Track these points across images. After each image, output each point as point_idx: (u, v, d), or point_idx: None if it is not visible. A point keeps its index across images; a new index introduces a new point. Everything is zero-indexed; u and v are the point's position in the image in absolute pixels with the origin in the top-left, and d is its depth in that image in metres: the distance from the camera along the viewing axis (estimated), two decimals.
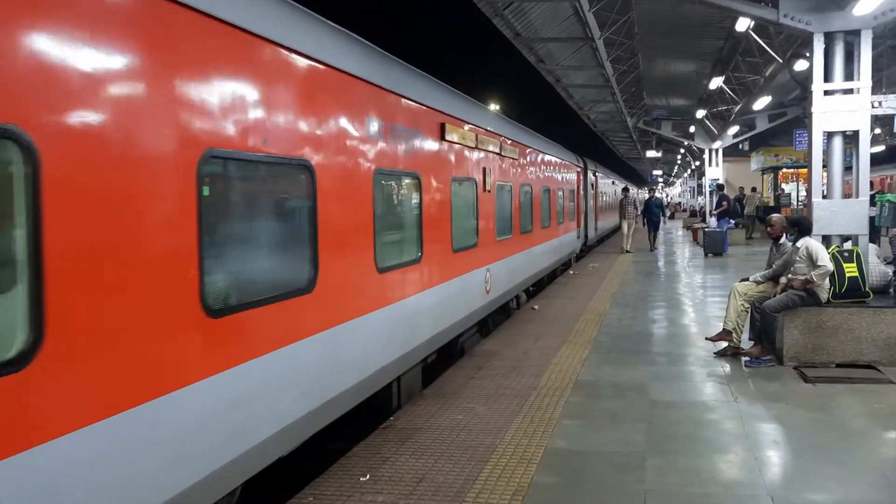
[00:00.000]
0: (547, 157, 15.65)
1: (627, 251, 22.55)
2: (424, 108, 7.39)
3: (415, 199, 7.24)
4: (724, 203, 23.17)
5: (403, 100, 6.80)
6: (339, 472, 5.15)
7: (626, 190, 25.13)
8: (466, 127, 8.89)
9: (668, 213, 43.18)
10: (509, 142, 11.47)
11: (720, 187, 25.46)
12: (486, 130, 9.99)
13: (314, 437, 5.17)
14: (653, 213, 24.02)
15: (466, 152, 8.95)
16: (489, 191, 9.99)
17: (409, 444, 5.66)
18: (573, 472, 5.09)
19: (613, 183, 35.82)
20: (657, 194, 28.71)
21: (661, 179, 70.80)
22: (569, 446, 5.59)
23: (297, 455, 5.06)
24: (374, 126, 6.05)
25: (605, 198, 30.76)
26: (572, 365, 8.10)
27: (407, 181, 7.07)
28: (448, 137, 8.05)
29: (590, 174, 24.21)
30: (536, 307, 12.36)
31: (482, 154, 9.72)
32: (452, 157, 8.37)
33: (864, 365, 7.61)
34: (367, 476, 5.03)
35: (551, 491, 4.78)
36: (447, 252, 8.13)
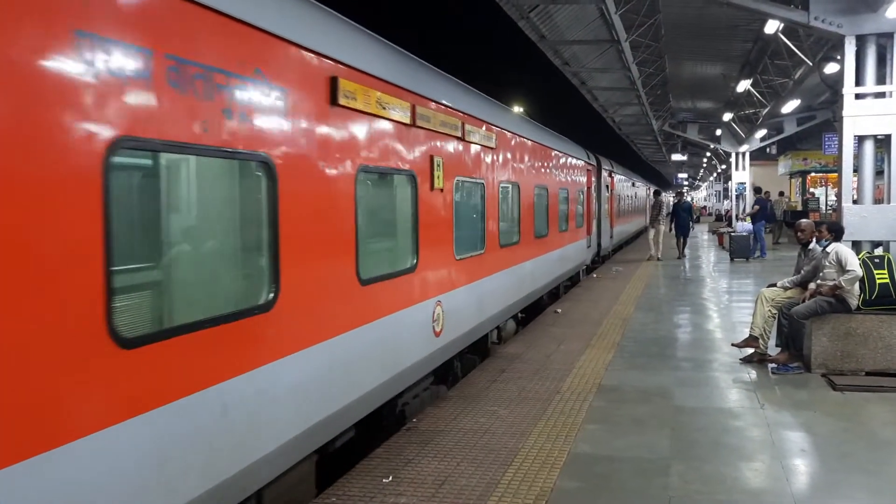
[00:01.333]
0: (542, 150, 12.32)
1: (658, 259, 21.05)
2: (285, 43, 4.42)
3: (261, 203, 4.22)
4: (757, 206, 22.82)
5: (223, 20, 3.84)
6: (362, 473, 5.17)
7: (657, 193, 23.73)
8: (389, 90, 5.83)
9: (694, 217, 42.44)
10: (481, 124, 8.41)
11: (757, 190, 24.97)
12: (436, 103, 6.96)
13: None
14: (681, 217, 22.35)
15: (392, 130, 5.91)
16: (441, 190, 7.06)
17: (432, 447, 5.67)
18: (597, 477, 5.06)
19: (634, 185, 32.39)
20: (686, 197, 26.04)
21: (686, 183, 70.21)
22: (592, 451, 5.56)
23: (319, 456, 5.08)
24: (119, 55, 3.13)
25: (623, 201, 27.34)
26: (596, 369, 8.05)
27: (237, 170, 4.18)
28: (345, 101, 4.99)
29: (604, 174, 21.30)
30: (559, 311, 12.30)
31: (428, 136, 6.71)
32: (359, 136, 5.34)
33: (895, 374, 7.47)
34: (390, 478, 5.05)
35: (575, 496, 4.76)
36: (346, 286, 5.12)
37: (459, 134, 7.61)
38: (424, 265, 6.65)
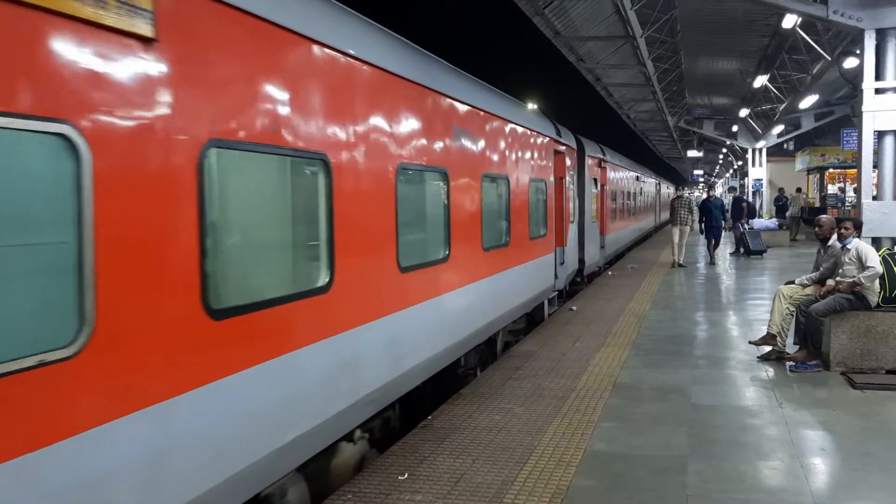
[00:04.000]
0: (441, 103, 6.92)
1: (680, 265, 18.24)
2: None
3: None
4: (743, 204, 22.50)
5: None
6: (378, 470, 5.17)
7: (679, 189, 22.75)
8: None
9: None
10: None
11: (731, 189, 24.72)
12: None
13: None
14: (713, 217, 19.15)
15: None
16: None
17: (447, 444, 5.66)
18: (613, 475, 5.03)
19: (638, 178, 27.14)
20: (717, 193, 23.22)
21: (701, 179, 69.86)
22: (608, 449, 5.53)
23: (333, 451, 5.09)
24: None
25: (622, 200, 22.31)
26: (611, 367, 8.02)
27: None
28: None
29: (590, 162, 16.03)
30: (574, 308, 12.26)
31: None
32: None
33: None
34: (406, 475, 5.05)
35: (591, 494, 4.73)
36: None
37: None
38: None
